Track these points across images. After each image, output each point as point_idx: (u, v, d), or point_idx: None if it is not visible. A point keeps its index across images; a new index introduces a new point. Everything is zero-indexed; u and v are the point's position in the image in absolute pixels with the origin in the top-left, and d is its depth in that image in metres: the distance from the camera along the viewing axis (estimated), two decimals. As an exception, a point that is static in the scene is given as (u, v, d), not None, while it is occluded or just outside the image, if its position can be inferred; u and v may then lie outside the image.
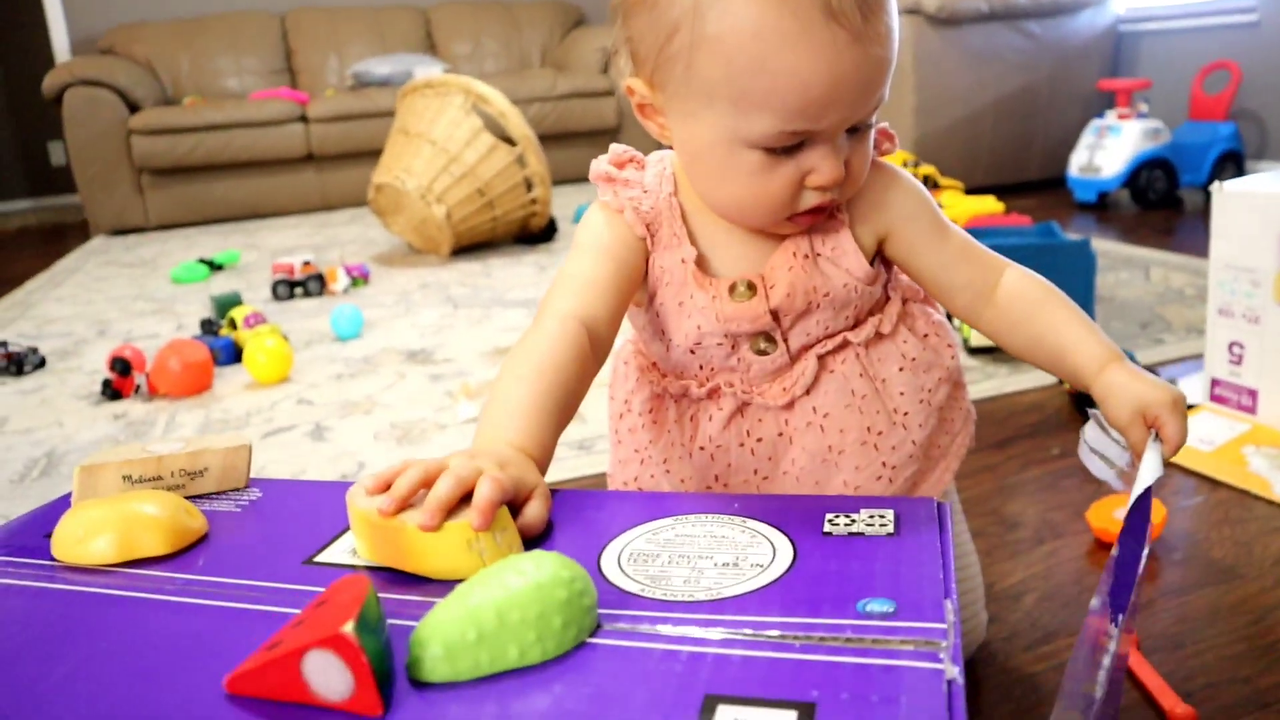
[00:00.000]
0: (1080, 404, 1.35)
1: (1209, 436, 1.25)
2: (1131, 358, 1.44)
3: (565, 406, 0.57)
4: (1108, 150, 2.99)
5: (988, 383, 1.50)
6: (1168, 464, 1.19)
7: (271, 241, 3.50)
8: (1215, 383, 1.33)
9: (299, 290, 2.49)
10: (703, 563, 0.43)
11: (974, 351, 1.62)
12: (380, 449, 1.41)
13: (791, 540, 0.45)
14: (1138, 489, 0.49)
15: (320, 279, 2.49)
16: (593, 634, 0.38)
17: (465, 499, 0.46)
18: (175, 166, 3.92)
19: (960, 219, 2.22)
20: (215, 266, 2.97)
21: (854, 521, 0.46)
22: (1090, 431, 0.62)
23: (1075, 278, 1.57)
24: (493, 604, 0.37)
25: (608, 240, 0.65)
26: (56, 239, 4.15)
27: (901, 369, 0.68)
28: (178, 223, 4.04)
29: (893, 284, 0.70)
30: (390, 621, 0.40)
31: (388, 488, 0.47)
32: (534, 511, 0.48)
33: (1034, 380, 1.50)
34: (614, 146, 0.69)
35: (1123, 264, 2.25)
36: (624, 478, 0.73)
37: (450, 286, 2.50)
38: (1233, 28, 3.17)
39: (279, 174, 4.11)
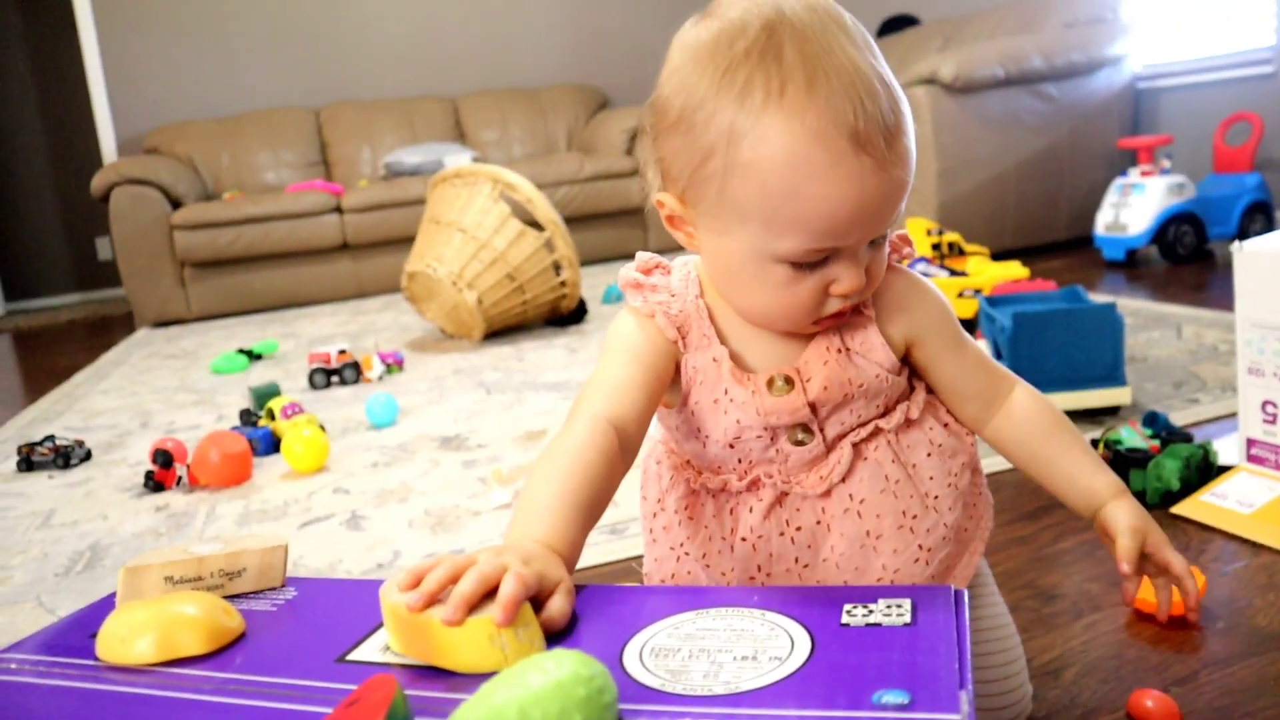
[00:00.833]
0: (1116, 468, 1.34)
1: (1247, 498, 1.23)
2: (1165, 420, 1.44)
3: (594, 505, 0.59)
4: (1133, 208, 2.99)
5: (1020, 450, 1.49)
6: (1207, 528, 1.17)
7: (309, 330, 3.58)
8: (1251, 443, 1.31)
9: (335, 379, 2.54)
10: (722, 656, 0.44)
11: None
12: (415, 537, 1.42)
13: (809, 632, 0.46)
14: None
15: (356, 367, 2.54)
16: (614, 731, 0.39)
17: (491, 595, 0.47)
18: (215, 259, 4.04)
19: (985, 285, 2.23)
20: (254, 356, 3.03)
21: (871, 612, 0.47)
22: None
23: (1103, 341, 1.57)
24: (515, 702, 0.38)
25: (638, 344, 0.67)
26: (103, 331, 4.27)
27: (930, 454, 0.70)
28: (218, 313, 4.15)
29: (915, 375, 0.73)
30: (419, 719, 0.41)
31: (419, 583, 0.48)
32: (557, 607, 0.49)
33: (1067, 446, 1.49)
34: (640, 255, 0.72)
35: (1154, 323, 2.24)
36: (661, 575, 0.74)
37: (483, 371, 2.54)
38: (1250, 80, 3.19)
39: (315, 264, 4.22)
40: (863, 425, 0.69)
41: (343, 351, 2.55)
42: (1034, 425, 0.72)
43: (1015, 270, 2.28)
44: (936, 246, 2.47)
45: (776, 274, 0.61)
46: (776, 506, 0.69)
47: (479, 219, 2.84)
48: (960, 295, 2.24)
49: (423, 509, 1.53)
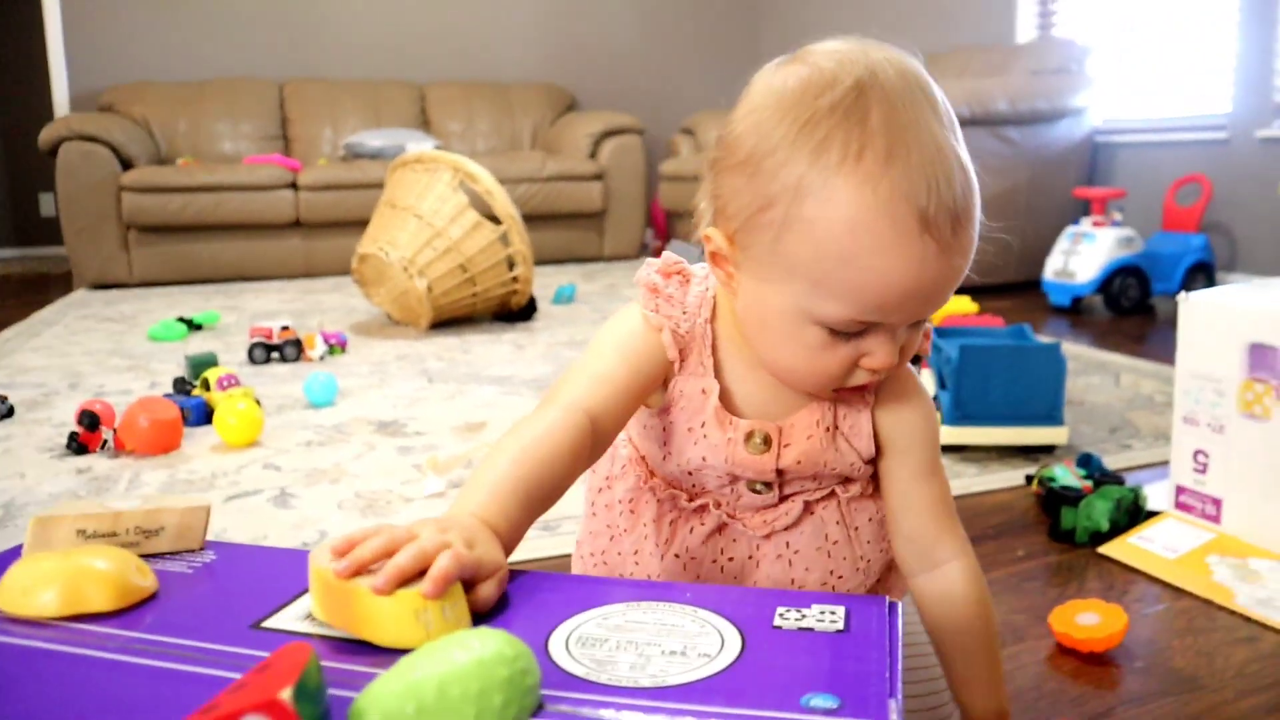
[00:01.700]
0: (1048, 505, 1.36)
1: (1173, 544, 1.25)
2: (1098, 462, 1.46)
3: (547, 494, 0.58)
4: (1082, 256, 3.06)
5: (955, 481, 1.51)
6: (1132, 570, 1.19)
7: (253, 305, 3.51)
8: (1180, 490, 1.34)
9: (275, 355, 2.48)
10: (650, 650, 0.43)
11: (943, 450, 1.63)
12: (343, 518, 1.39)
13: (741, 632, 0.45)
14: None
15: (298, 345, 2.49)
16: (534, 714, 0.38)
17: (423, 572, 0.46)
18: (163, 225, 3.94)
19: (934, 317, 2.26)
20: (194, 326, 2.96)
21: (804, 616, 0.47)
22: None
23: (1045, 380, 1.60)
24: (435, 678, 0.36)
25: (636, 350, 0.65)
26: (39, 289, 4.14)
27: (871, 519, 0.70)
28: (161, 281, 4.05)
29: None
30: (332, 691, 0.40)
31: (352, 549, 0.47)
32: (485, 591, 0.48)
33: (1001, 481, 1.51)
34: (666, 254, 0.70)
35: (1094, 369, 2.28)
36: (591, 548, 0.74)
37: (427, 360, 2.50)
38: (1204, 144, 3.28)
39: (266, 239, 4.14)
40: (820, 489, 0.69)
41: (285, 328, 2.50)
42: (957, 612, 0.66)
43: (964, 305, 2.31)
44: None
45: (811, 335, 0.59)
46: (716, 534, 0.69)
47: (436, 206, 2.81)
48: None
49: (354, 491, 1.50)
